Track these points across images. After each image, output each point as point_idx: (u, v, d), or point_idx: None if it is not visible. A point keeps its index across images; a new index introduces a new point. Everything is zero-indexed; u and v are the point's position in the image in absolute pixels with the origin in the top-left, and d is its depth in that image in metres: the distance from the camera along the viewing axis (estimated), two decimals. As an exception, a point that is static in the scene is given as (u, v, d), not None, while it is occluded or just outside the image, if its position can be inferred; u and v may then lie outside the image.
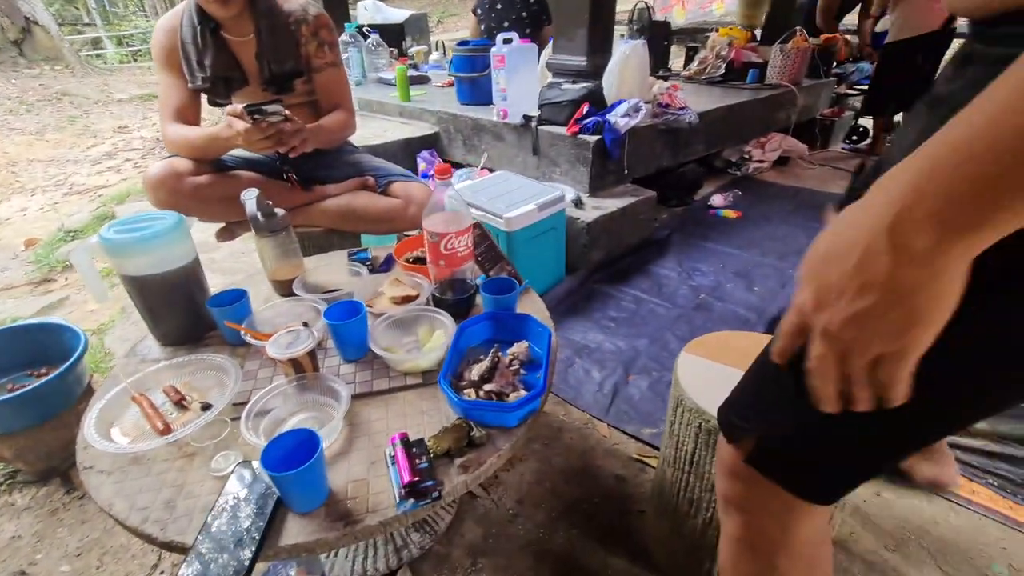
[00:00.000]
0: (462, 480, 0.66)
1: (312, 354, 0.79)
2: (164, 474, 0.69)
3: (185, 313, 0.94)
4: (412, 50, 3.97)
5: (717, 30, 3.56)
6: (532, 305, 1.01)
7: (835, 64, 3.78)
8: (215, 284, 0.99)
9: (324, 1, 3.22)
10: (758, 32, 3.83)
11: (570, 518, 1.08)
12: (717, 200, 2.55)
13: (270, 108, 1.12)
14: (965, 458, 1.15)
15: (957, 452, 1.15)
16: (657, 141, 2.15)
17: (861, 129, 3.68)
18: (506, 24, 2.84)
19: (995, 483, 1.11)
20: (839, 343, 0.34)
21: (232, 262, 2.25)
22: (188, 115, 1.31)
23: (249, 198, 0.98)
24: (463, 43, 2.44)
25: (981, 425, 1.16)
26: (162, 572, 1.02)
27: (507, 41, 2.00)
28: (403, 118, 2.69)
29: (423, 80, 3.25)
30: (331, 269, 1.14)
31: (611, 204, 1.93)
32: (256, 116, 1.11)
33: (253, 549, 0.57)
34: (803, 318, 0.37)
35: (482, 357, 0.84)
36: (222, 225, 1.41)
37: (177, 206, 1.23)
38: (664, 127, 2.12)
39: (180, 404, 0.79)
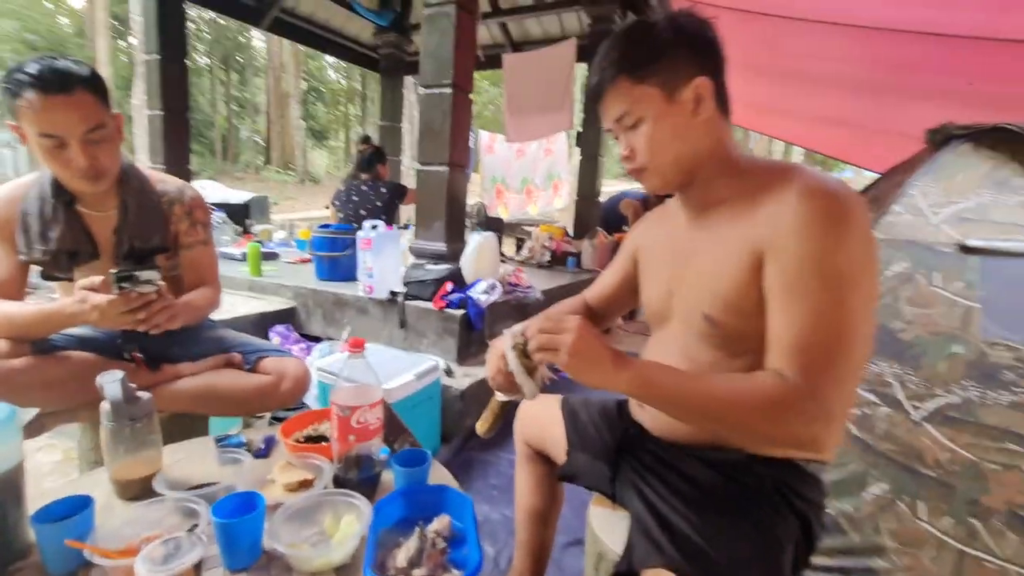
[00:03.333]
0: None
1: (199, 566, 0.65)
2: None
3: (-14, 540, 0.70)
4: (257, 229, 3.98)
5: (539, 226, 4.33)
6: (439, 474, 0.98)
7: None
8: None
9: (165, 179, 3.16)
10: (570, 228, 4.75)
11: None
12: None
13: (144, 275, 1.00)
14: (813, 576, 1.32)
15: (808, 574, 1.32)
16: (511, 314, 2.41)
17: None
18: (363, 212, 3.09)
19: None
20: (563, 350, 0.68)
21: (34, 483, 1.70)
22: (10, 289, 1.11)
23: (111, 381, 0.84)
24: (324, 226, 2.57)
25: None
26: None
27: (374, 227, 2.18)
28: (254, 292, 2.58)
29: (272, 256, 3.23)
30: (194, 461, 0.97)
31: (479, 372, 2.03)
32: (124, 285, 0.99)
33: None
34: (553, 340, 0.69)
35: (401, 540, 0.78)
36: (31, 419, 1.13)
37: (-26, 398, 0.97)
38: (515, 303, 2.40)
39: None
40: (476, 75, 2.85)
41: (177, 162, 3.22)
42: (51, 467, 1.70)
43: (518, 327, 0.83)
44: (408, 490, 0.85)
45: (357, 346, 0.87)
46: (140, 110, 8.23)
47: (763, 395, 0.63)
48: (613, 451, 0.94)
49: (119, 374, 0.86)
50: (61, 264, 1.17)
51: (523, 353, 0.78)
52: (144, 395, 0.89)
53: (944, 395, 1.32)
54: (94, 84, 1.06)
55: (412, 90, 7.91)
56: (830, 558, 1.33)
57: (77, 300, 1.01)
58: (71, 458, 1.72)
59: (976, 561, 1.22)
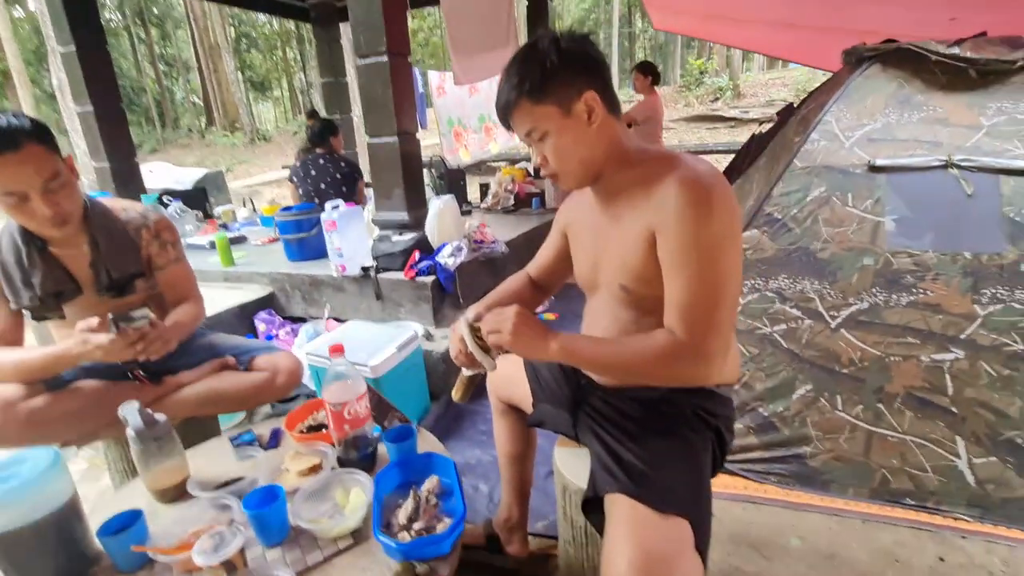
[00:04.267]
0: (420, 615, 0.77)
1: (243, 551, 0.82)
2: None
3: (63, 559, 0.86)
4: (218, 211, 3.95)
5: (501, 170, 4.36)
6: (426, 442, 1.16)
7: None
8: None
9: (114, 177, 3.11)
10: (531, 167, 4.78)
11: (499, 629, 1.17)
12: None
13: (137, 314, 1.12)
14: (753, 467, 1.58)
15: (747, 465, 1.58)
16: (480, 271, 2.54)
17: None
18: (323, 186, 3.10)
19: (775, 480, 1.55)
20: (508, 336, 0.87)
21: None
22: (11, 337, 1.21)
23: (130, 411, 0.97)
24: (287, 209, 2.61)
25: (751, 439, 1.62)
26: None
27: (335, 207, 2.24)
28: (230, 283, 2.66)
29: (240, 240, 3.26)
30: (215, 460, 1.13)
31: (456, 331, 2.19)
32: (121, 325, 1.10)
33: None
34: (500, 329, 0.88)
35: (401, 501, 0.96)
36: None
37: (5, 441, 1.11)
38: (483, 259, 2.53)
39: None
40: None
41: (121, 159, 3.14)
42: (79, 476, 1.86)
43: (470, 312, 0.99)
44: (401, 461, 1.03)
45: (337, 351, 1.01)
46: (62, 90, 7.66)
47: (656, 351, 0.83)
48: (571, 400, 1.12)
49: (135, 404, 0.99)
50: (49, 305, 1.26)
51: (477, 334, 0.94)
52: (160, 417, 1.03)
53: (856, 303, 1.53)
54: (40, 135, 1.10)
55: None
56: (767, 451, 1.59)
57: (80, 342, 1.11)
58: (96, 465, 1.89)
59: (881, 437, 1.48)
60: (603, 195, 0.97)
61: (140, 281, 1.39)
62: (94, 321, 1.11)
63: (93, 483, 1.82)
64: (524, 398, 1.23)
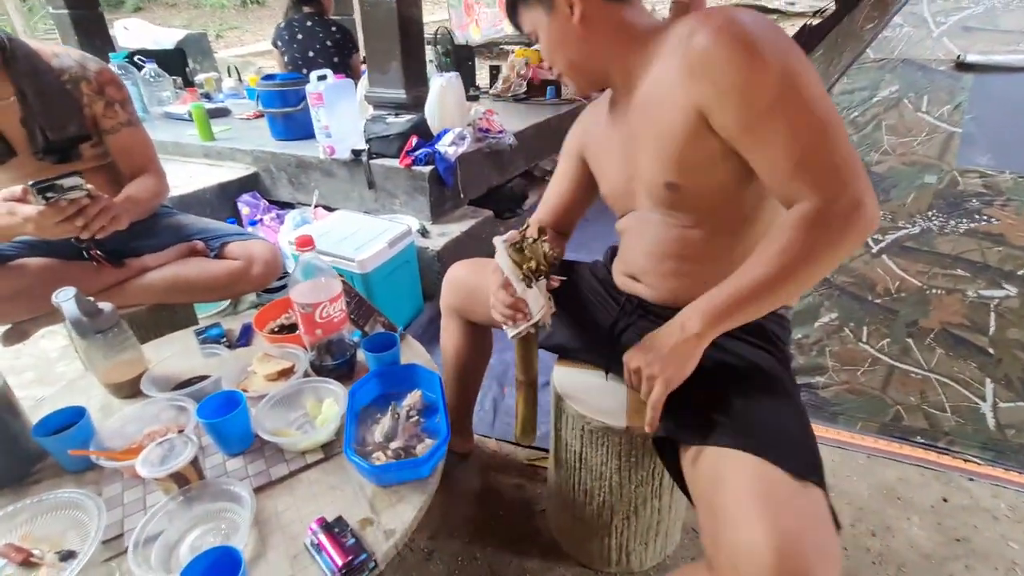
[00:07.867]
0: (391, 544, 0.69)
1: (195, 461, 0.73)
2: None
3: (-1, 453, 0.77)
4: (200, 78, 3.57)
5: (515, 52, 3.89)
6: (412, 351, 1.05)
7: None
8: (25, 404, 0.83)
9: (76, 27, 2.74)
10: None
11: (482, 538, 1.15)
12: (543, 208, 2.82)
13: (67, 182, 0.93)
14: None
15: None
16: (484, 163, 2.31)
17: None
18: (311, 54, 2.74)
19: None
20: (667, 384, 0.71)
21: (46, 369, 1.76)
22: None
23: (66, 300, 0.84)
24: (269, 77, 2.30)
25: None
26: None
27: (322, 78, 1.96)
28: (210, 159, 2.43)
29: (223, 113, 2.97)
30: (179, 355, 1.02)
31: (455, 228, 2.02)
32: (49, 195, 0.93)
33: None
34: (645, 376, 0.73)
35: (379, 416, 0.86)
36: (6, 327, 1.16)
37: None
38: (488, 150, 2.28)
39: (28, 563, 0.67)
40: None
41: (81, 3, 2.74)
42: (59, 353, 1.80)
43: (510, 234, 0.86)
44: (381, 371, 0.92)
45: (306, 244, 0.85)
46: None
47: (802, 232, 0.64)
48: (607, 331, 0.96)
49: (71, 291, 0.85)
50: (-24, 168, 1.08)
51: (532, 263, 0.81)
52: (106, 306, 0.90)
53: (906, 227, 1.34)
54: None
55: None
56: (776, 378, 1.50)
57: (5, 213, 0.95)
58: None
59: (903, 373, 1.37)
60: (623, 92, 0.82)
61: (86, 146, 1.20)
62: (17, 189, 0.94)
63: (73, 361, 1.77)
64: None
